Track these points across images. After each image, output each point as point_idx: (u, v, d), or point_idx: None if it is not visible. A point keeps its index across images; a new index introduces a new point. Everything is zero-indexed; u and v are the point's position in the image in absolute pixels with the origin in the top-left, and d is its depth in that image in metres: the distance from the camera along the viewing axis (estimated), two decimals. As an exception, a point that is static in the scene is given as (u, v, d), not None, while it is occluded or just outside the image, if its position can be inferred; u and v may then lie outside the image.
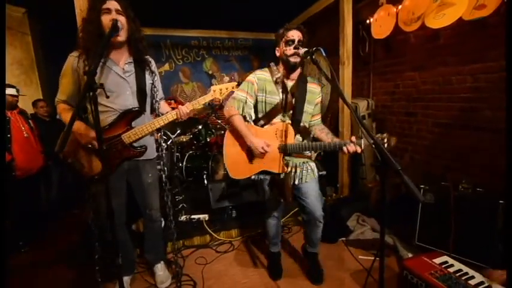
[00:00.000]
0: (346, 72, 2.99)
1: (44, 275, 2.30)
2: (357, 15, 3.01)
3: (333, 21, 3.12)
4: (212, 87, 1.70)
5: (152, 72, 1.78)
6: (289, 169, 1.72)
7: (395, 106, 3.01)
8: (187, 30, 5.26)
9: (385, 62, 3.09)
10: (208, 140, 3.92)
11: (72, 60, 1.56)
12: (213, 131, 4.13)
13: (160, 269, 2.09)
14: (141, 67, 1.71)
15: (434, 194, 2.05)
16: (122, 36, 1.54)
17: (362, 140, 1.36)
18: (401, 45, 2.82)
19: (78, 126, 1.54)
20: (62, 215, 3.51)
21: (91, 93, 1.13)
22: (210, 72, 5.62)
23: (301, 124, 1.73)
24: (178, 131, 3.74)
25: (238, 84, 1.75)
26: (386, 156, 0.90)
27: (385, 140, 1.29)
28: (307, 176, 1.80)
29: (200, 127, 3.89)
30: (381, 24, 2.71)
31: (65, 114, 1.60)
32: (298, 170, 1.79)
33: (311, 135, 1.82)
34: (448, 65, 2.41)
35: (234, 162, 1.79)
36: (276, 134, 1.69)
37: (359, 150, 1.38)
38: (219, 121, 4.47)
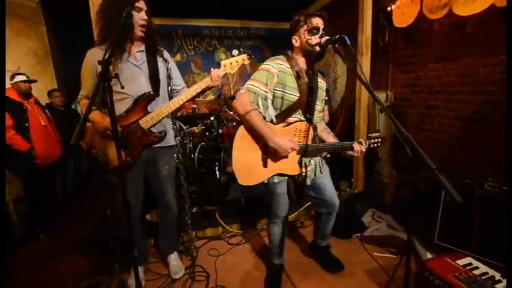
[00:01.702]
0: (365, 63, 2.88)
1: (59, 264, 2.34)
2: (377, 2, 2.87)
3: (351, 9, 2.99)
4: (222, 62, 1.66)
5: (165, 60, 1.79)
6: (303, 169, 1.67)
7: (415, 99, 2.88)
8: (199, 20, 5.18)
9: (406, 53, 2.94)
10: (220, 131, 3.89)
11: (90, 56, 1.60)
12: (225, 122, 4.10)
13: (174, 259, 2.11)
14: (152, 55, 1.72)
15: (457, 191, 1.96)
16: (143, 33, 1.60)
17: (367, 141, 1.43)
18: (424, 35, 2.67)
19: (94, 115, 1.59)
20: (77, 204, 3.58)
21: (106, 84, 1.11)
22: (222, 62, 5.55)
23: (313, 123, 1.64)
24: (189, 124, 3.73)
25: (250, 56, 1.64)
26: (420, 153, 0.84)
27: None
28: (321, 169, 1.76)
29: (212, 118, 3.85)
30: (403, 12, 2.56)
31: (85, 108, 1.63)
32: (310, 168, 1.71)
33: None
34: (475, 56, 2.26)
35: (245, 167, 1.57)
36: (295, 135, 1.56)
37: (363, 149, 1.50)
38: (231, 112, 4.43)
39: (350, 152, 1.59)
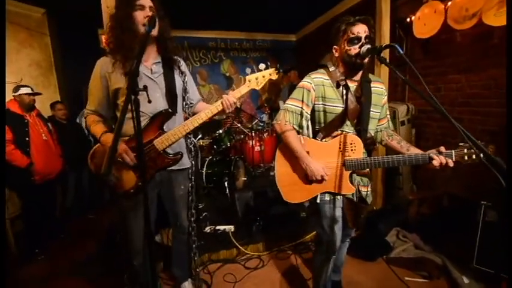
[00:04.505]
0: (382, 74, 2.79)
1: (58, 286, 2.20)
2: (394, 13, 2.81)
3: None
4: (247, 77, 1.51)
5: (182, 72, 1.66)
6: (360, 188, 1.49)
7: (436, 111, 2.78)
8: (204, 32, 5.14)
9: (424, 64, 2.87)
10: (229, 145, 3.75)
11: (100, 66, 1.47)
12: (234, 135, 3.97)
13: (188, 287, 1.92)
14: (169, 67, 1.59)
15: (498, 211, 1.83)
16: (153, 32, 1.40)
17: (453, 152, 1.20)
18: (444, 46, 2.60)
19: (107, 139, 1.42)
20: (77, 220, 3.42)
21: (133, 97, 0.97)
22: (228, 74, 5.47)
23: (368, 134, 1.47)
24: (200, 136, 3.59)
25: (278, 71, 1.53)
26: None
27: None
28: (368, 198, 1.54)
29: (221, 131, 3.72)
30: (425, 23, 2.49)
31: (94, 126, 1.48)
32: (363, 190, 1.52)
33: (380, 143, 1.56)
34: (502, 67, 2.18)
35: (289, 184, 1.52)
36: (340, 148, 1.42)
37: (451, 163, 1.22)
38: (239, 125, 4.32)
39: (431, 166, 1.26)
